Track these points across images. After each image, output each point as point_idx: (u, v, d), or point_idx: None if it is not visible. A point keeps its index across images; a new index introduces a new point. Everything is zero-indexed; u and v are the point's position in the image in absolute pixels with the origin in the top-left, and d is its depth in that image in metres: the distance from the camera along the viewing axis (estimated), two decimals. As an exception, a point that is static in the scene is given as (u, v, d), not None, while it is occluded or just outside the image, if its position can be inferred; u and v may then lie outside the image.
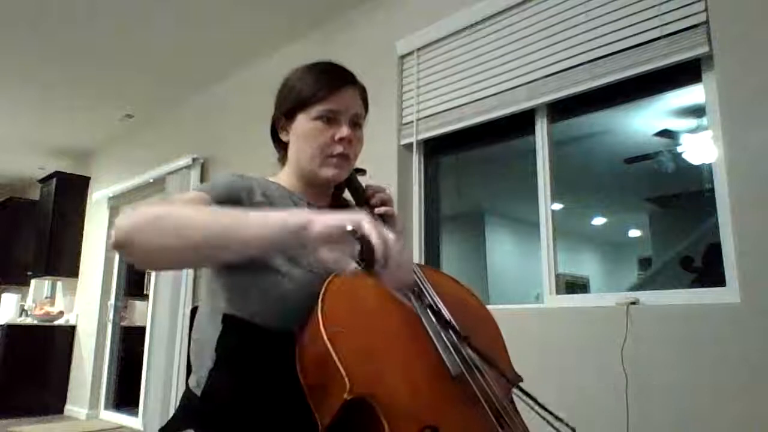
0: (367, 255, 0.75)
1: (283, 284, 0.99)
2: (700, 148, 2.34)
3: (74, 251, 5.94)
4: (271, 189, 1.10)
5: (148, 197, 5.17)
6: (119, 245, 0.82)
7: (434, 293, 1.01)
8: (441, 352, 0.92)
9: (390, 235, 0.77)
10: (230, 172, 1.08)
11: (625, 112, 2.64)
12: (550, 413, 0.87)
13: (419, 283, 1.01)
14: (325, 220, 0.77)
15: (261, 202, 1.04)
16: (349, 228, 0.75)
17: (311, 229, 0.76)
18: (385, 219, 1.16)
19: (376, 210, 1.17)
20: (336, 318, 0.86)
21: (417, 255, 2.91)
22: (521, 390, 0.92)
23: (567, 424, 0.85)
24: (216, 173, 4.30)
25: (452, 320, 0.97)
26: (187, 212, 0.84)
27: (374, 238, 0.75)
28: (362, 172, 1.25)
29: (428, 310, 0.97)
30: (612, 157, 3.11)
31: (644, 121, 2.76)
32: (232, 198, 1.00)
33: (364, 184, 1.23)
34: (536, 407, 0.87)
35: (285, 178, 1.17)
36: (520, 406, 0.98)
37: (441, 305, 0.99)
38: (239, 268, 0.98)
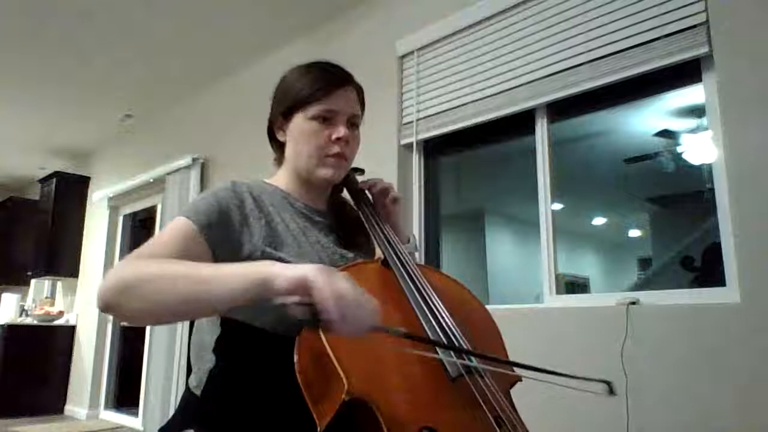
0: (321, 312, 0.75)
1: None
2: (700, 148, 2.34)
3: (74, 251, 5.94)
4: (267, 193, 1.10)
5: (148, 197, 5.18)
6: (105, 310, 0.85)
7: (434, 294, 1.01)
8: (440, 353, 0.92)
9: (344, 289, 0.75)
10: (227, 179, 1.07)
11: (625, 112, 2.63)
12: (562, 375, 0.88)
13: (418, 286, 1.01)
14: (285, 273, 0.77)
15: (253, 210, 1.03)
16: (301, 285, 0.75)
17: (273, 283, 0.77)
18: (395, 202, 1.19)
19: (391, 195, 1.19)
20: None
21: (417, 255, 2.91)
22: (526, 367, 0.92)
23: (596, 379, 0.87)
24: (215, 175, 4.31)
25: (451, 321, 0.97)
26: (162, 275, 0.83)
27: (327, 303, 0.74)
28: (360, 171, 1.25)
29: (428, 311, 0.97)
30: (612, 157, 3.11)
31: (644, 121, 2.76)
32: (221, 219, 0.99)
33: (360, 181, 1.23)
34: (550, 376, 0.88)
35: (282, 179, 1.16)
36: (520, 405, 0.98)
37: (440, 306, 0.99)
38: None
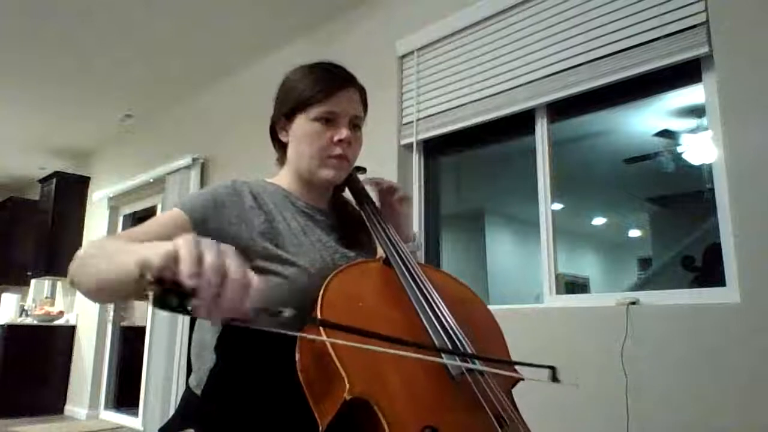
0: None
1: (284, 287, 0.99)
2: (700, 148, 2.34)
3: (74, 251, 5.76)
4: (267, 192, 1.10)
5: (148, 197, 5.18)
6: (71, 284, 0.89)
7: (435, 292, 1.01)
8: (441, 352, 0.92)
9: (211, 258, 0.62)
10: (228, 179, 1.07)
11: (625, 112, 2.64)
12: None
13: (420, 285, 1.01)
14: (157, 250, 0.64)
15: (252, 208, 1.04)
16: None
17: (149, 263, 0.63)
18: (402, 201, 1.21)
19: (398, 194, 1.20)
20: (335, 318, 0.86)
21: (419, 253, 2.91)
22: (470, 356, 0.92)
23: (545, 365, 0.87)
24: (215, 175, 4.31)
25: (453, 320, 0.97)
26: (101, 253, 0.85)
27: (199, 279, 0.61)
28: (362, 170, 1.25)
29: (429, 310, 0.97)
30: (612, 157, 3.11)
31: (644, 121, 2.76)
32: (215, 215, 0.99)
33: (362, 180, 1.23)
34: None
35: (284, 179, 1.17)
36: (521, 405, 0.98)
37: (442, 305, 0.99)
38: None
